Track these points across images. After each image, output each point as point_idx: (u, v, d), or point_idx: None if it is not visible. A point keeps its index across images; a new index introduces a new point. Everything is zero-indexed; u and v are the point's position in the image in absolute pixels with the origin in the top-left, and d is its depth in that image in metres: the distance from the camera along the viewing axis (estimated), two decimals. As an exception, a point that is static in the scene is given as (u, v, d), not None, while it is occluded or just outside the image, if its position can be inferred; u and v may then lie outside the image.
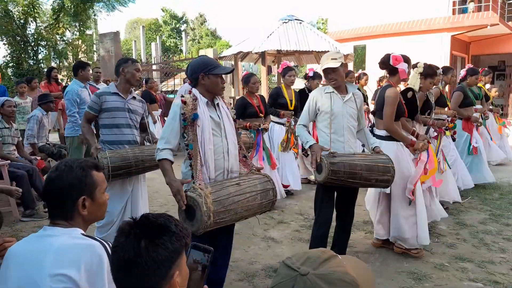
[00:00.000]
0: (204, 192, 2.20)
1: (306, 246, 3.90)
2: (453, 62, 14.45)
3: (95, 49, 16.67)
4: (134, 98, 3.44)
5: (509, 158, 7.32)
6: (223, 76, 2.57)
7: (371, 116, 7.46)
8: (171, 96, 16.38)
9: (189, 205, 2.24)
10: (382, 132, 3.55)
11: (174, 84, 17.47)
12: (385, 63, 3.51)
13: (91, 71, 5.79)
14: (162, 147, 2.43)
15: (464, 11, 14.28)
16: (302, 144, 4.84)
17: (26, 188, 4.51)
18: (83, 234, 1.44)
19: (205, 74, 2.47)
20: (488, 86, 7.35)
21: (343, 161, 2.92)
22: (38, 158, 5.42)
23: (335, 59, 3.07)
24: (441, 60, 13.66)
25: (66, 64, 15.47)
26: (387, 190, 3.54)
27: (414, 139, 3.55)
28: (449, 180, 4.73)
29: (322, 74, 3.25)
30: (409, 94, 3.87)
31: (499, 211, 4.85)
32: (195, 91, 2.50)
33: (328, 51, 10.16)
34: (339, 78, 3.10)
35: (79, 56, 15.80)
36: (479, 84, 6.37)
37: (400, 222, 3.56)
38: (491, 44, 15.29)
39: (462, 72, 5.69)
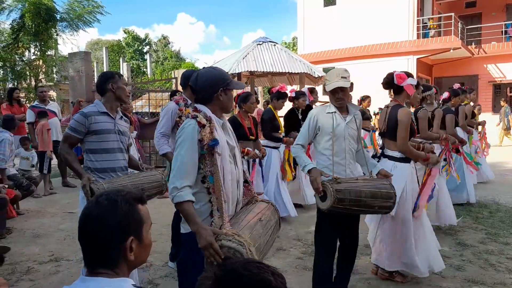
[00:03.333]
0: (244, 239, 1.82)
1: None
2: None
3: (56, 69, 15.94)
4: (121, 117, 3.01)
5: (489, 177, 7.50)
6: None
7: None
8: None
9: (226, 257, 1.82)
10: (396, 154, 3.40)
11: (142, 105, 17.06)
12: (389, 83, 3.41)
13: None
14: (181, 185, 1.93)
15: (426, 35, 14.96)
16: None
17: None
18: (134, 285, 1.15)
19: (224, 89, 2.11)
20: (472, 104, 7.55)
21: (348, 187, 2.71)
22: (6, 186, 4.90)
23: (345, 77, 2.87)
24: (408, 81, 14.16)
25: (24, 85, 14.65)
26: (392, 213, 3.38)
27: (427, 154, 3.45)
28: (447, 203, 4.70)
29: (328, 92, 2.92)
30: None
31: (494, 230, 4.84)
32: (204, 109, 2.09)
33: (305, 72, 10.25)
34: (346, 98, 2.94)
35: (40, 77, 15.05)
36: (465, 102, 6.51)
37: (412, 250, 3.35)
38: (451, 66, 16.08)
39: (446, 94, 5.77)
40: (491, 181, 7.64)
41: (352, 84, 7.51)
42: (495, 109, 15.92)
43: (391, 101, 3.54)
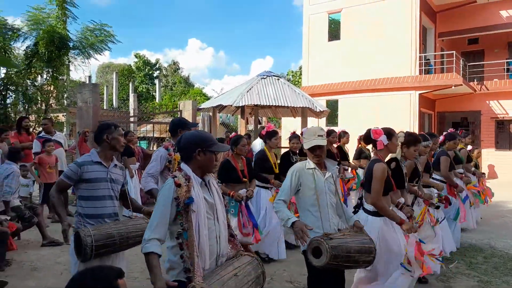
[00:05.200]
0: None
1: (301, 321, 3.71)
2: (421, 118, 15.16)
3: (66, 95, 16.35)
4: (115, 166, 3.19)
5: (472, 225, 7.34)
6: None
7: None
8: (143, 143, 16.29)
9: None
10: (370, 207, 3.49)
11: (146, 130, 17.46)
12: (367, 138, 3.59)
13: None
14: (149, 237, 2.14)
15: (430, 72, 15.22)
16: None
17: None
18: None
19: (202, 150, 2.31)
20: (469, 147, 7.62)
21: (341, 244, 2.79)
22: (8, 218, 5.05)
23: (321, 135, 3.07)
24: (411, 116, 14.32)
25: (35, 108, 15.01)
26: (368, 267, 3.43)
27: (403, 217, 3.48)
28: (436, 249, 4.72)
29: (308, 150, 3.12)
30: (393, 165, 3.88)
31: (487, 277, 4.85)
32: (186, 168, 2.31)
33: (307, 107, 10.46)
34: (323, 155, 3.11)
35: (50, 102, 15.44)
36: (460, 145, 6.59)
37: None
38: (454, 102, 16.26)
39: (441, 137, 5.90)
40: (482, 224, 7.55)
41: (348, 134, 7.60)
42: (498, 145, 15.98)
43: (374, 155, 3.68)
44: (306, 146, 3.05)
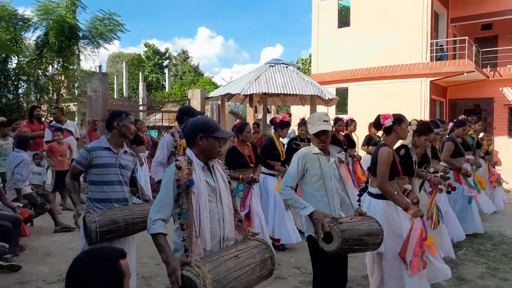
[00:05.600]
0: (202, 271, 2.01)
1: (307, 306, 3.75)
2: (432, 105, 14.97)
3: (77, 84, 16.51)
4: (125, 152, 3.25)
5: (499, 208, 7.39)
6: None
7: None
8: (153, 131, 16.43)
9: (185, 285, 2.02)
10: (375, 190, 3.50)
11: (155, 119, 17.60)
12: (377, 123, 3.58)
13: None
14: (155, 218, 2.22)
15: (442, 58, 14.95)
16: None
17: (13, 241, 4.25)
18: None
19: (204, 136, 2.35)
20: (481, 134, 7.54)
21: (350, 227, 2.79)
22: (21, 205, 5.16)
23: (327, 121, 3.06)
24: (422, 103, 14.14)
25: (46, 98, 15.18)
26: (382, 249, 3.46)
27: (408, 201, 3.45)
28: (443, 235, 4.71)
29: (313, 135, 3.09)
30: (402, 152, 3.85)
31: (495, 264, 4.84)
32: (190, 152, 2.38)
33: (316, 95, 10.40)
34: (328, 141, 3.10)
35: (61, 92, 15.60)
36: (470, 132, 6.51)
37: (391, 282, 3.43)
38: (466, 89, 16.00)
39: (450, 124, 5.84)
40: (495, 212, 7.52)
41: (355, 122, 7.56)
42: (511, 132, 15.73)
43: (383, 141, 3.66)
44: (312, 131, 3.04)
